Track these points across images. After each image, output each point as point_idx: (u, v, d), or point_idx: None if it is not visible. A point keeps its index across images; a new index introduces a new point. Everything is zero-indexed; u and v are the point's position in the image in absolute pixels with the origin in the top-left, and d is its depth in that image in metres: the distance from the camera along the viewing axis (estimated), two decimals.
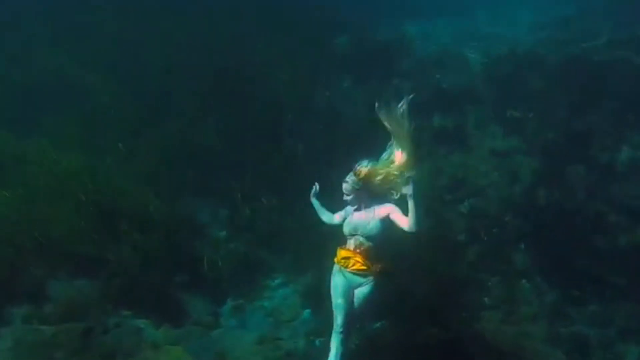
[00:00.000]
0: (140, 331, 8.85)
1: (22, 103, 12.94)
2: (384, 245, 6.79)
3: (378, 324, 9.08)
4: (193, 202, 10.98)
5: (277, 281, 9.99)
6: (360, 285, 6.81)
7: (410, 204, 6.42)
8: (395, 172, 6.57)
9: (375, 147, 11.76)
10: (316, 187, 7.38)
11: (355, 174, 6.65)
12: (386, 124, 6.56)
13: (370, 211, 6.72)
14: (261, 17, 15.20)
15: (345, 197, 6.82)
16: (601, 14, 16.83)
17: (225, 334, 9.06)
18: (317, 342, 8.69)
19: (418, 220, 6.45)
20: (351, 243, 6.78)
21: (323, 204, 7.31)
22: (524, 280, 9.87)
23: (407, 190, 6.37)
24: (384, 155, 6.77)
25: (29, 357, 8.20)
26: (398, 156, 6.56)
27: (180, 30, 14.51)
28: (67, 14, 16.00)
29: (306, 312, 9.36)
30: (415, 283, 9.38)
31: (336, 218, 7.10)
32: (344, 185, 6.75)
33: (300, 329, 9.08)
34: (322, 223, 7.26)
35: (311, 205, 7.38)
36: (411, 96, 6.49)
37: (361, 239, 6.72)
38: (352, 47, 14.44)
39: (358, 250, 6.73)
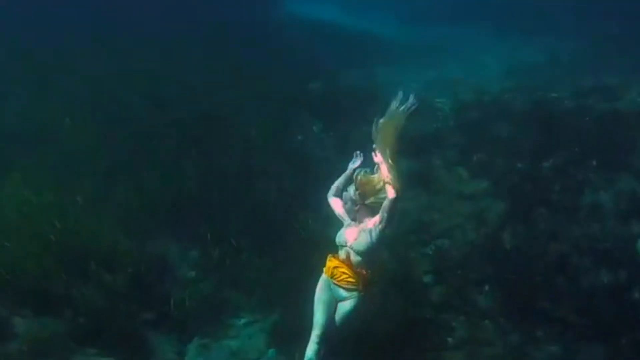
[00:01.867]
0: None
1: None
2: (373, 261, 6.78)
3: None
4: (163, 242, 11.05)
5: (243, 320, 9.97)
6: (344, 299, 6.84)
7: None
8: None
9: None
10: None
11: (354, 182, 6.71)
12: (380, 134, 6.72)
13: (362, 225, 6.71)
14: (237, 63, 15.61)
15: (344, 206, 6.84)
16: (568, 63, 17.44)
17: None
18: None
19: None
20: (342, 254, 6.79)
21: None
22: (487, 321, 9.95)
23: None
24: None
25: None
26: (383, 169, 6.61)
27: (156, 76, 14.85)
28: (45, 55, 16.32)
29: (271, 352, 9.38)
30: (378, 322, 9.49)
31: (333, 202, 7.03)
32: (344, 194, 6.81)
33: None
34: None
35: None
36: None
37: (351, 251, 6.70)
38: (324, 93, 14.81)
39: (347, 262, 6.73)
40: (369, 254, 6.70)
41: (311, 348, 6.91)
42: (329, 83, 15.55)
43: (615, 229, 11.18)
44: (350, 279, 6.74)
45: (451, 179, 12.46)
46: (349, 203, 6.79)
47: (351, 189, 6.76)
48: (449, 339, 9.70)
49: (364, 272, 6.74)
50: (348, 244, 6.72)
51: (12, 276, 9.43)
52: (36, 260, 9.69)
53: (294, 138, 13.50)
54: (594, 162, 12.19)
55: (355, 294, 6.79)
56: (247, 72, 15.17)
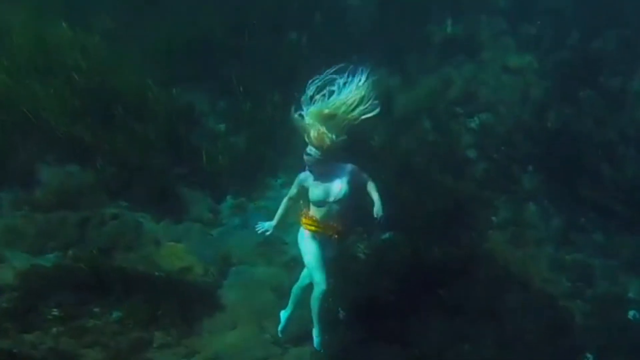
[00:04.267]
0: (140, 225, 8.39)
1: None
2: (350, 207, 6.45)
3: (386, 235, 8.87)
4: (190, 91, 10.19)
5: (279, 181, 9.42)
6: (330, 241, 6.56)
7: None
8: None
9: (383, 44, 11.18)
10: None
11: (317, 147, 6.06)
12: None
13: (336, 174, 6.31)
14: None
15: (309, 168, 6.31)
16: None
17: (228, 234, 8.71)
18: None
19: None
20: (321, 210, 6.38)
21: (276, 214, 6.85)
22: (531, 203, 9.72)
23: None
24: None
25: (21, 245, 7.66)
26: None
27: None
28: None
29: None
30: (423, 196, 9.18)
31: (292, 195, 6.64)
32: (307, 158, 6.17)
33: None
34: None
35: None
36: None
37: (332, 205, 6.34)
38: None
39: (326, 217, 6.40)
40: (349, 203, 6.39)
41: (318, 298, 6.54)
42: None
43: None
44: (327, 231, 6.46)
45: (497, 49, 11.70)
46: (315, 164, 6.20)
47: (313, 152, 6.10)
48: (494, 219, 9.49)
49: (339, 225, 6.46)
50: (329, 199, 6.31)
51: (36, 118, 8.66)
52: (61, 101, 8.89)
53: None
54: None
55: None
56: None
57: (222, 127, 10.07)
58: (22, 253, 7.58)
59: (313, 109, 6.07)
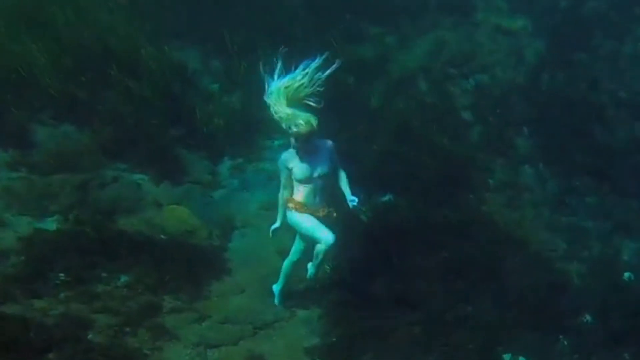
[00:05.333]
0: (140, 187, 8.24)
1: None
2: (332, 184, 6.75)
3: (386, 197, 8.90)
4: (182, 48, 9.93)
5: (277, 142, 9.22)
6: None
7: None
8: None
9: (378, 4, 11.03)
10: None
11: (306, 133, 6.31)
12: None
13: (318, 150, 6.59)
14: None
15: (297, 153, 6.53)
16: None
17: (229, 196, 8.61)
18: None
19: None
20: (307, 188, 6.60)
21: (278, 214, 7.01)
22: (526, 166, 9.80)
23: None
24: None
25: (20, 208, 7.47)
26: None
27: None
28: None
29: None
30: (420, 158, 9.21)
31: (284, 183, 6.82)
32: (297, 146, 6.47)
33: None
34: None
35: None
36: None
37: (317, 180, 6.58)
38: None
39: (312, 196, 6.64)
40: (332, 179, 6.73)
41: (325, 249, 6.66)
42: None
43: None
44: (314, 214, 6.67)
45: (490, 10, 11.61)
46: (300, 150, 6.48)
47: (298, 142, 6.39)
48: (490, 181, 9.54)
49: (324, 205, 6.71)
50: (315, 175, 6.57)
51: (28, 74, 8.36)
52: (51, 56, 8.58)
53: None
54: (637, 11, 11.65)
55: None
56: None
57: (217, 87, 9.84)
58: (22, 216, 7.40)
59: (273, 86, 6.50)
